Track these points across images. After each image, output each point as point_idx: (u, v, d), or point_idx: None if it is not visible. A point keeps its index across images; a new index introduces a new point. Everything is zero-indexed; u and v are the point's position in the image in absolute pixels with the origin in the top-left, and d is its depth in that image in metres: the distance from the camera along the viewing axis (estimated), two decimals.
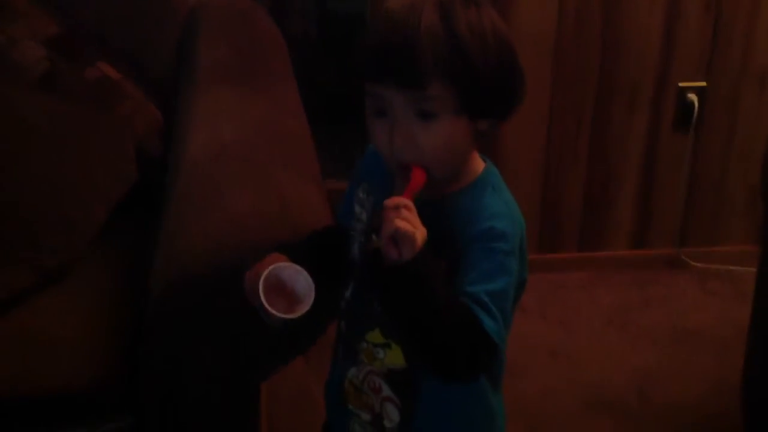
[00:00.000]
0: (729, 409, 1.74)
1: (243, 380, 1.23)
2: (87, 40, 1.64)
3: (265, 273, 0.89)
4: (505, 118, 0.96)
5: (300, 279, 0.91)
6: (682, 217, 2.28)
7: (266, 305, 0.88)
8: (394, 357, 0.98)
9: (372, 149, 1.03)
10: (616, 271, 2.27)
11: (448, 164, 0.94)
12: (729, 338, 2.01)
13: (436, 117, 0.90)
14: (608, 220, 2.27)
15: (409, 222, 0.85)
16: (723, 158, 2.22)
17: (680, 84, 2.13)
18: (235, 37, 1.70)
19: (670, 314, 2.13)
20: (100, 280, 1.38)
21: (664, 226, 2.29)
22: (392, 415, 1.00)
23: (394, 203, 0.86)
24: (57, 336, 1.26)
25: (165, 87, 1.67)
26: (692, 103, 2.13)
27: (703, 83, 2.13)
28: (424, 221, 0.87)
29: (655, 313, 2.14)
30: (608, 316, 2.12)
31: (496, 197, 0.95)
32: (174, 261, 1.16)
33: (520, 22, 2.01)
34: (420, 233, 0.86)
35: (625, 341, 2.04)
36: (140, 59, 1.67)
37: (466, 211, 0.94)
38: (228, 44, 1.67)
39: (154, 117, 1.60)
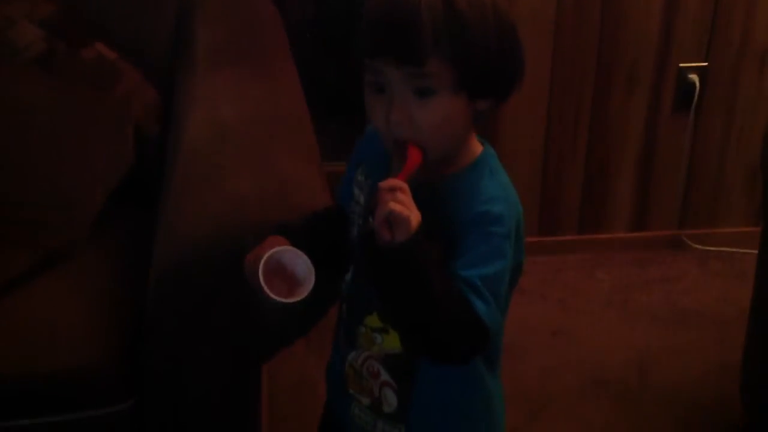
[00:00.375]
0: (728, 389, 1.75)
1: (245, 361, 1.23)
2: (84, 21, 1.63)
3: (265, 257, 0.89)
4: (504, 98, 0.95)
5: (300, 262, 0.91)
6: (682, 199, 2.27)
7: (266, 289, 0.88)
8: (392, 342, 0.98)
9: (371, 131, 1.03)
10: (616, 253, 2.27)
11: (445, 143, 0.93)
12: (729, 319, 2.02)
13: (434, 94, 0.89)
14: (608, 201, 2.26)
15: (403, 204, 0.84)
16: (723, 139, 2.22)
17: (681, 65, 2.12)
18: (232, 18, 1.69)
19: (670, 295, 2.13)
20: (99, 263, 1.38)
21: (664, 207, 2.28)
22: (390, 399, 1.00)
23: (389, 185, 0.85)
24: (57, 319, 1.25)
25: (163, 68, 1.66)
26: (693, 84, 2.12)
27: (704, 63, 2.12)
28: (420, 203, 0.87)
29: (655, 293, 2.14)
30: (608, 296, 2.13)
31: (493, 180, 0.95)
32: (175, 243, 1.16)
33: (520, 1, 2.00)
34: (414, 216, 0.85)
35: (625, 322, 2.04)
36: (138, 40, 1.66)
37: (462, 194, 0.93)
38: (226, 25, 1.66)
39: (152, 98, 1.59)
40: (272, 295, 0.88)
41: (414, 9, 0.86)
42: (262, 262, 0.89)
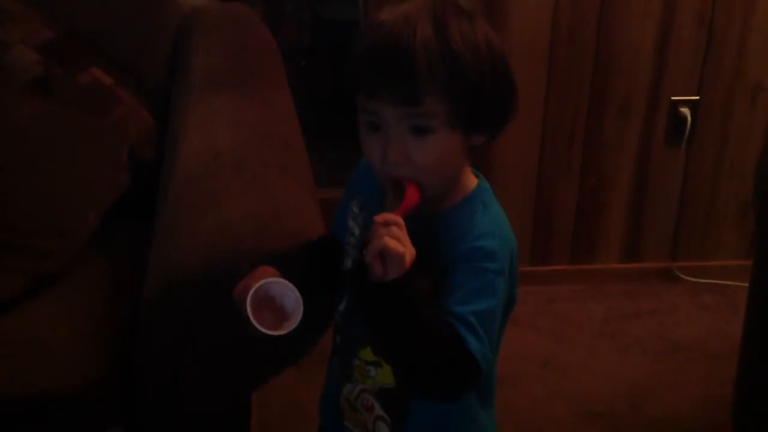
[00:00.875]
0: (719, 422, 1.74)
1: (235, 387, 1.22)
2: (80, 46, 1.64)
3: (254, 288, 0.89)
4: (498, 132, 0.95)
5: (289, 294, 0.90)
6: (673, 231, 2.28)
7: (254, 321, 0.88)
8: (385, 375, 0.98)
9: (365, 163, 1.03)
10: (607, 284, 2.27)
11: (440, 180, 0.93)
12: (720, 352, 2.02)
13: (430, 132, 0.89)
14: (600, 232, 2.27)
15: (398, 240, 0.84)
16: (715, 172, 2.23)
17: (673, 98, 2.14)
18: (229, 43, 1.70)
19: (662, 327, 2.13)
20: (92, 285, 1.37)
21: (655, 239, 2.29)
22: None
23: (384, 219, 0.85)
24: (49, 341, 1.25)
25: (158, 93, 1.66)
26: (685, 117, 2.14)
27: (696, 97, 2.14)
28: (413, 238, 0.86)
29: (647, 325, 2.14)
30: (600, 327, 2.12)
31: (486, 215, 0.94)
32: (168, 265, 1.15)
33: (514, 33, 2.02)
34: (409, 252, 0.84)
35: (616, 353, 2.03)
36: (134, 65, 1.66)
37: (456, 230, 0.93)
38: (222, 51, 1.67)
39: (146, 122, 1.60)
40: (260, 328, 0.88)
41: (409, 49, 0.86)
42: (251, 293, 0.88)
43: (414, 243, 0.86)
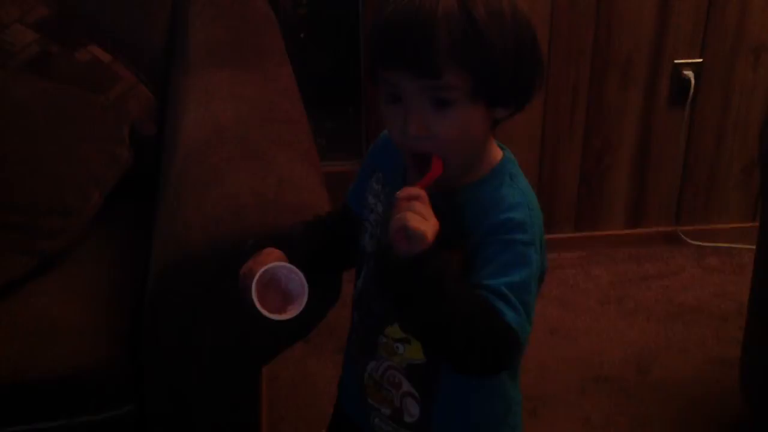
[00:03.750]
0: (728, 384, 1.75)
1: (243, 361, 1.22)
2: (77, 23, 1.62)
3: (259, 273, 0.89)
4: (524, 104, 0.92)
5: (294, 278, 0.90)
6: (677, 195, 2.27)
7: (259, 307, 0.88)
8: (414, 352, 0.96)
9: (385, 137, 1.01)
10: (612, 249, 2.27)
11: (464, 153, 0.91)
12: (727, 314, 2.02)
13: (452, 105, 0.87)
14: (604, 197, 2.26)
15: (421, 214, 0.82)
16: (718, 135, 2.22)
17: (675, 61, 2.12)
18: (227, 16, 1.69)
19: (668, 290, 2.13)
20: (97, 264, 1.37)
21: (660, 203, 2.28)
22: (412, 409, 0.99)
23: (407, 194, 0.83)
24: (56, 320, 1.25)
25: (157, 68, 1.65)
26: (688, 80, 2.12)
27: (699, 59, 2.12)
28: (440, 213, 0.85)
29: (653, 289, 2.14)
30: (606, 293, 2.12)
31: (514, 187, 0.92)
32: (173, 242, 1.15)
33: None
34: (432, 226, 0.82)
35: (622, 318, 2.04)
36: (131, 41, 1.65)
37: (483, 203, 0.91)
38: (221, 24, 1.65)
39: (146, 99, 1.59)
40: (264, 313, 0.88)
41: (430, 19, 0.84)
42: (256, 278, 0.88)
43: (441, 218, 0.84)
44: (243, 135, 1.32)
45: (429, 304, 0.85)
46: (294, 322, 0.90)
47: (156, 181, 1.43)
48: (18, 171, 1.39)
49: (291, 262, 0.91)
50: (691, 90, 2.13)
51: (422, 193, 0.84)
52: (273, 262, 0.90)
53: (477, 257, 0.89)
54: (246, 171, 1.23)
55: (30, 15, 1.57)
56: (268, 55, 1.60)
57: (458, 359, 0.90)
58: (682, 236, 2.28)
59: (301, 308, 0.89)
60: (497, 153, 0.96)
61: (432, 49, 0.84)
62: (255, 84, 1.47)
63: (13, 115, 1.43)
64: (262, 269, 0.89)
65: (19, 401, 1.19)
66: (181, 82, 1.52)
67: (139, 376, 1.22)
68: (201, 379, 1.22)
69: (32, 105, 1.45)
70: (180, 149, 1.33)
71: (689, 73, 2.12)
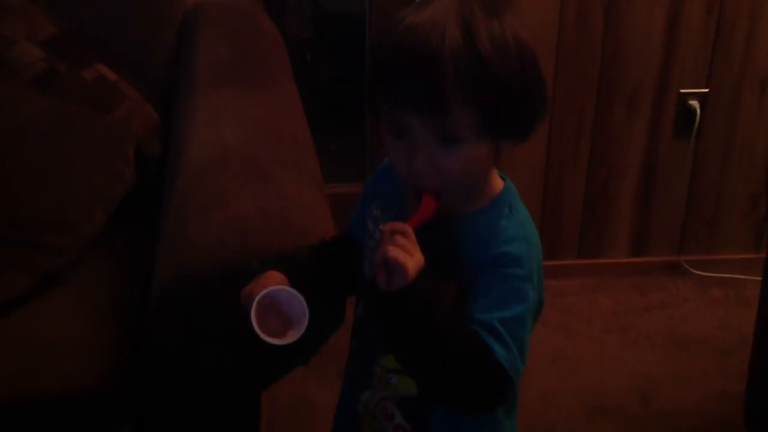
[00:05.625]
0: (730, 416, 1.74)
1: (244, 384, 1.21)
2: (84, 41, 1.62)
3: (259, 296, 0.87)
4: (528, 135, 0.91)
5: (294, 303, 0.89)
6: (681, 224, 2.26)
7: (258, 330, 0.87)
8: (407, 384, 0.95)
9: (385, 165, 1.00)
10: (616, 278, 2.25)
11: (467, 187, 0.91)
12: (730, 346, 2.01)
13: (459, 142, 0.85)
14: (608, 226, 2.26)
15: (403, 249, 0.81)
16: (723, 165, 2.21)
17: (681, 90, 2.12)
18: (234, 37, 1.69)
19: (671, 320, 2.12)
20: (99, 282, 1.36)
21: (664, 232, 2.27)
22: None
23: (391, 228, 0.82)
24: (56, 339, 1.23)
25: (163, 88, 1.65)
26: (694, 110, 2.12)
27: (705, 89, 2.12)
28: (435, 243, 0.83)
29: (656, 319, 2.12)
30: (608, 322, 2.11)
31: (513, 219, 0.91)
32: (175, 261, 1.14)
33: (521, 24, 1.99)
34: (415, 261, 0.81)
35: (625, 347, 2.02)
36: (138, 60, 1.65)
37: (482, 234, 0.89)
38: (227, 44, 1.65)
39: (152, 118, 1.58)
40: (263, 336, 0.87)
41: (437, 56, 0.82)
42: (256, 301, 0.87)
43: (436, 247, 0.83)
44: (248, 156, 1.31)
45: (414, 339, 0.84)
46: (295, 346, 0.88)
47: (160, 200, 1.42)
48: (21, 188, 1.39)
49: (293, 286, 0.90)
50: (697, 120, 2.12)
51: (408, 228, 0.82)
52: (274, 286, 0.89)
53: (472, 289, 0.87)
54: (250, 192, 1.22)
55: (37, 32, 1.57)
56: (273, 75, 1.60)
57: (447, 396, 0.88)
58: (686, 266, 2.27)
59: (300, 333, 0.88)
60: (498, 183, 0.95)
61: (439, 88, 0.82)
62: (260, 105, 1.47)
63: (18, 131, 1.43)
64: (263, 292, 0.88)
65: (16, 421, 1.18)
66: (186, 102, 1.52)
67: (138, 396, 1.20)
68: (201, 402, 1.21)
69: (37, 122, 1.44)
70: (184, 169, 1.32)
71: (695, 103, 2.12)
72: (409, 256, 0.81)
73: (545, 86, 0.90)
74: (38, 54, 1.53)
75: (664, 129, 2.16)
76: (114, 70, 1.58)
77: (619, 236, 2.27)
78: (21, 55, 1.52)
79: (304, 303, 0.88)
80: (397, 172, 0.90)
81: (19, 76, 1.51)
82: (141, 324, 1.18)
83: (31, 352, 1.21)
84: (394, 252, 0.80)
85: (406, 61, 0.84)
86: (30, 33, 1.56)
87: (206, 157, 1.32)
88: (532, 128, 0.91)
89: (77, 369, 1.20)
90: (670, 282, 2.26)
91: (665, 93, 2.12)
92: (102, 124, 1.50)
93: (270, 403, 1.77)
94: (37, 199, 1.38)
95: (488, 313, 0.85)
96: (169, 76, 1.67)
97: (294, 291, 0.89)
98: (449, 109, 0.83)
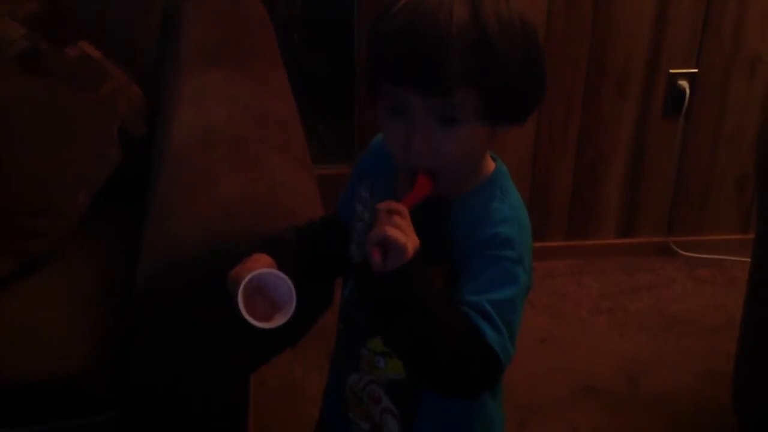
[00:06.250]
0: (719, 396, 1.75)
1: (231, 368, 1.20)
2: (67, 18, 1.59)
3: (246, 279, 0.86)
4: (525, 119, 0.90)
5: (281, 285, 0.88)
6: (670, 205, 2.26)
7: (244, 314, 0.85)
8: (394, 367, 0.94)
9: (376, 145, 0.99)
10: (604, 259, 2.25)
11: (462, 169, 0.89)
12: (718, 327, 2.01)
13: (459, 123, 0.84)
14: (596, 207, 2.25)
15: (400, 229, 0.79)
16: (712, 146, 2.21)
17: (671, 71, 2.11)
18: (220, 17, 1.67)
19: (659, 302, 2.12)
20: (84, 266, 1.35)
21: (652, 214, 2.27)
22: (391, 426, 0.97)
23: (388, 207, 0.81)
24: (40, 323, 1.22)
25: (148, 67, 1.62)
26: (683, 90, 2.11)
27: (694, 70, 2.11)
28: (427, 223, 0.82)
29: (644, 300, 2.13)
30: (597, 303, 2.11)
31: (505, 201, 0.90)
32: (162, 245, 1.13)
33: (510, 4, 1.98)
34: (411, 243, 0.79)
35: (613, 329, 2.02)
36: (122, 39, 1.62)
37: (473, 216, 0.88)
38: (214, 24, 1.63)
39: (137, 98, 1.56)
40: (250, 320, 0.85)
41: (443, 36, 0.80)
42: (242, 285, 0.86)
43: (428, 228, 0.82)
44: (235, 137, 1.30)
45: (408, 322, 0.82)
46: (283, 329, 0.87)
47: (145, 182, 1.41)
48: (2, 170, 1.36)
49: (280, 269, 0.89)
50: (686, 100, 2.12)
51: (404, 208, 0.81)
52: (261, 269, 0.88)
53: (463, 271, 0.86)
54: (238, 174, 1.21)
55: (19, 9, 1.54)
56: (261, 56, 1.58)
57: (436, 379, 0.87)
58: (674, 247, 2.27)
59: (288, 317, 0.87)
60: (490, 164, 0.94)
61: (444, 68, 0.81)
62: (248, 85, 1.45)
63: (0, 111, 1.40)
64: (249, 276, 0.86)
65: (4, 405, 1.16)
66: (172, 82, 1.50)
67: (125, 380, 1.19)
68: (188, 385, 1.20)
69: (19, 101, 1.42)
70: (170, 150, 1.30)
71: (684, 84, 2.11)
72: (407, 236, 0.79)
73: (545, 69, 0.88)
74: (21, 31, 1.50)
75: (653, 110, 2.15)
76: (98, 48, 1.56)
77: (607, 217, 2.27)
78: (3, 33, 1.49)
79: (292, 286, 0.87)
80: (393, 152, 0.88)
81: (1, 54, 1.48)
82: (128, 307, 1.17)
83: (15, 336, 1.20)
84: (392, 231, 0.78)
85: (410, 38, 0.82)
86: (12, 10, 1.53)
87: (192, 138, 1.31)
88: (531, 111, 0.90)
89: (63, 353, 1.18)
90: (659, 263, 2.26)
91: (654, 73, 2.11)
92: (86, 103, 1.48)
93: (257, 386, 1.76)
94: (18, 180, 1.36)
95: (478, 294, 0.84)
96: (155, 56, 1.65)
97: (281, 274, 0.88)
98: (453, 90, 0.82)
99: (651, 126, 2.17)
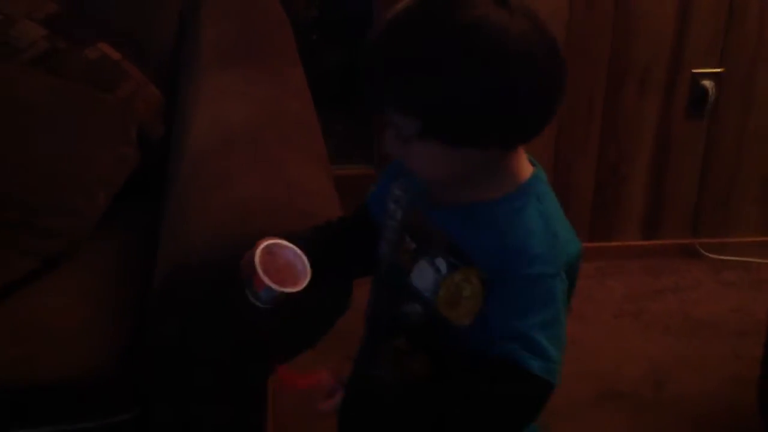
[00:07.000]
0: (745, 400, 1.71)
1: (249, 369, 1.19)
2: (86, 20, 1.60)
3: (261, 246, 0.86)
4: (509, 146, 0.85)
5: (297, 262, 0.88)
6: (695, 206, 2.23)
7: (260, 272, 0.85)
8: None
9: None
10: (627, 261, 2.22)
11: (449, 183, 0.87)
12: (744, 330, 1.97)
13: (409, 140, 0.83)
14: (620, 208, 2.22)
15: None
16: (738, 146, 2.17)
17: (694, 70, 2.08)
18: (238, 17, 1.66)
19: (684, 304, 2.09)
20: (102, 265, 1.35)
21: (676, 215, 2.24)
22: None
23: None
24: (58, 323, 1.22)
25: (166, 69, 1.62)
26: (706, 90, 2.08)
27: (719, 69, 2.08)
28: (458, 226, 0.83)
29: (669, 303, 2.10)
30: (620, 305, 2.08)
31: (537, 210, 0.85)
32: (178, 245, 1.12)
33: (531, 2, 1.96)
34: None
35: (638, 331, 2.00)
36: (141, 40, 1.62)
37: (502, 223, 0.85)
38: (231, 24, 1.63)
39: (155, 98, 1.56)
40: (265, 280, 0.85)
41: (373, 55, 0.81)
42: (261, 248, 0.86)
43: (460, 230, 0.83)
44: (253, 137, 1.29)
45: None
46: (301, 327, 0.86)
47: (163, 183, 1.40)
48: (22, 169, 1.37)
49: None
50: (711, 100, 2.09)
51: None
52: (275, 239, 0.88)
53: (496, 293, 0.84)
54: (255, 174, 1.20)
55: (39, 10, 1.54)
56: (279, 55, 1.57)
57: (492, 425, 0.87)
58: (699, 249, 2.24)
59: (302, 287, 0.87)
60: (525, 170, 0.89)
61: (373, 88, 0.82)
62: (265, 85, 1.45)
63: (19, 112, 1.41)
64: (264, 244, 0.87)
65: (17, 406, 1.16)
66: (189, 83, 1.50)
67: (141, 382, 1.18)
68: (205, 386, 1.19)
69: (38, 102, 1.42)
70: (188, 151, 1.30)
71: (708, 83, 2.08)
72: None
73: (547, 94, 0.84)
74: (40, 32, 1.51)
75: (676, 109, 2.12)
76: (117, 49, 1.55)
77: (631, 219, 2.23)
78: (22, 34, 1.50)
79: (307, 263, 0.87)
80: None
81: (20, 55, 1.48)
82: (144, 307, 1.16)
83: (32, 335, 1.20)
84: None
85: (359, 56, 0.83)
86: (31, 11, 1.53)
87: (210, 138, 1.30)
88: (510, 140, 0.85)
89: (80, 353, 1.18)
90: (683, 265, 2.22)
91: (678, 73, 2.08)
92: (104, 104, 1.48)
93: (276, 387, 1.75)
94: (37, 181, 1.36)
95: (519, 319, 0.82)
96: (172, 56, 1.65)
97: (298, 250, 0.88)
98: (385, 109, 0.82)
99: (674, 125, 2.14)
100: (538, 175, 0.89)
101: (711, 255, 2.23)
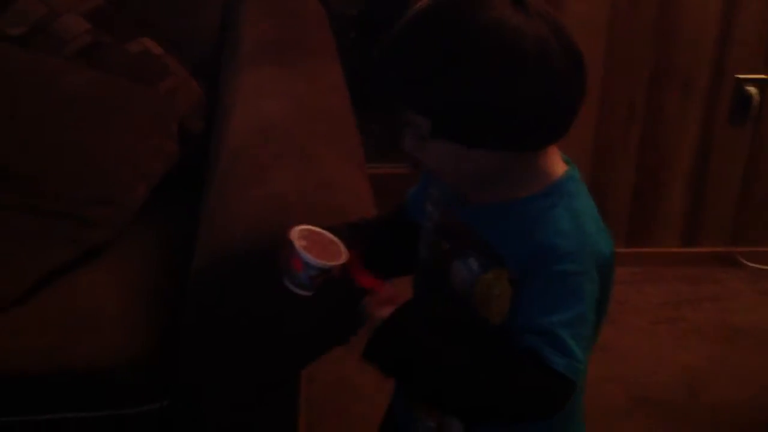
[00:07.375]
0: None
1: (282, 363, 1.19)
2: (129, 15, 1.62)
3: (302, 226, 0.87)
4: (523, 148, 0.84)
5: (333, 245, 0.88)
6: (735, 215, 2.20)
7: (298, 249, 0.85)
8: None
9: None
10: (665, 268, 2.20)
11: (468, 185, 0.87)
12: None
13: (423, 139, 0.83)
14: (658, 214, 2.20)
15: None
16: None
17: (738, 75, 2.05)
18: (278, 14, 1.68)
19: (722, 313, 2.06)
20: (141, 257, 1.36)
21: (716, 223, 2.21)
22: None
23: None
24: (96, 311, 1.23)
25: (207, 63, 1.64)
26: (750, 96, 2.05)
27: (764, 76, 2.05)
28: (488, 224, 0.83)
29: (707, 311, 2.07)
30: (657, 312, 2.06)
31: (568, 209, 0.84)
32: (216, 238, 1.13)
33: (573, 7, 1.95)
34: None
35: (674, 338, 1.97)
36: (183, 35, 1.64)
37: (529, 222, 0.84)
38: (271, 21, 1.64)
39: (196, 93, 1.57)
40: (306, 258, 0.85)
41: (388, 54, 0.82)
42: (299, 227, 0.87)
43: (489, 228, 0.84)
44: (290, 133, 1.30)
45: (420, 374, 0.86)
46: (335, 321, 0.87)
47: (202, 176, 1.42)
48: (65, 160, 1.39)
49: None
50: (755, 107, 2.05)
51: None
52: (309, 226, 0.89)
53: (525, 289, 0.83)
54: (292, 170, 1.21)
55: (82, 5, 1.57)
56: (317, 53, 1.58)
57: (502, 417, 0.87)
58: (739, 258, 2.20)
59: (342, 261, 0.87)
60: (558, 168, 0.88)
61: (387, 89, 0.83)
62: (304, 82, 1.45)
63: (63, 104, 1.43)
64: (300, 226, 0.87)
65: (52, 392, 1.18)
66: (229, 78, 1.51)
67: (173, 372, 1.20)
68: (239, 380, 1.20)
69: (82, 94, 1.45)
70: (226, 145, 1.31)
71: (752, 89, 2.05)
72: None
73: (547, 99, 0.82)
74: (84, 26, 1.53)
75: (719, 116, 2.09)
76: (159, 44, 1.58)
77: (669, 225, 2.21)
78: (67, 27, 1.53)
79: (344, 248, 0.87)
80: None
81: (64, 48, 1.51)
82: (182, 299, 1.18)
83: (70, 323, 1.21)
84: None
85: (374, 56, 0.84)
86: (76, 5, 1.56)
87: (248, 134, 1.31)
88: (525, 142, 0.84)
89: (115, 342, 1.19)
90: (723, 274, 2.19)
91: (721, 78, 2.05)
92: (146, 98, 1.50)
93: (309, 382, 1.76)
94: (79, 172, 1.38)
95: (545, 316, 0.81)
96: (214, 52, 1.66)
97: (335, 237, 0.88)
98: (400, 108, 0.83)
99: (717, 131, 2.11)
100: (571, 174, 0.88)
101: (752, 264, 2.20)
